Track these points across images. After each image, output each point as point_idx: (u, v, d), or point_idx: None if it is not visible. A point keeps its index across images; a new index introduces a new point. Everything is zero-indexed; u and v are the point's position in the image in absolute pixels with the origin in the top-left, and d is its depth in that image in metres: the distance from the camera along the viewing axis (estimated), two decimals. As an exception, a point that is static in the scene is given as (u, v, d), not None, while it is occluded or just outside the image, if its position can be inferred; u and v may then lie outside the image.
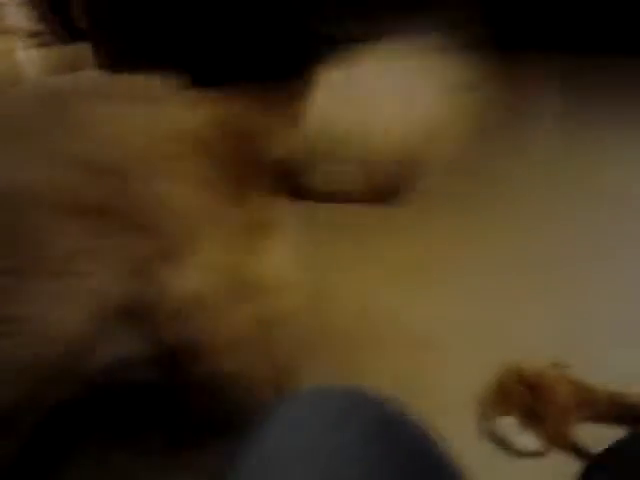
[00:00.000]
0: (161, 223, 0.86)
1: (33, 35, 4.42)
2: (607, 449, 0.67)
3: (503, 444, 1.28)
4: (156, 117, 0.91)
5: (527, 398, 1.28)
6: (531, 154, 2.57)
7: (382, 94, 1.03)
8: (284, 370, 1.03)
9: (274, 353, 1.00)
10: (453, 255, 1.94)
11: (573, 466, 1.24)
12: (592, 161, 2.48)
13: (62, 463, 0.98)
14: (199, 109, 0.94)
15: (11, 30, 4.40)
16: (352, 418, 0.60)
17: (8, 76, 3.85)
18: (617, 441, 0.68)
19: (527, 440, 1.26)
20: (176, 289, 0.87)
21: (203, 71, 2.40)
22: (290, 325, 1.01)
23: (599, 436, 1.28)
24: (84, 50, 4.11)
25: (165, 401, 0.98)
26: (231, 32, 2.85)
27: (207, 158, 0.92)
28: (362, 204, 2.17)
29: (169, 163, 0.89)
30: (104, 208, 0.81)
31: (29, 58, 4.23)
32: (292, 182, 1.77)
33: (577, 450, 1.25)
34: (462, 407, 1.37)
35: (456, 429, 1.33)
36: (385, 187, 2.13)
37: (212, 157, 0.93)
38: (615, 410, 1.30)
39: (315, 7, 3.12)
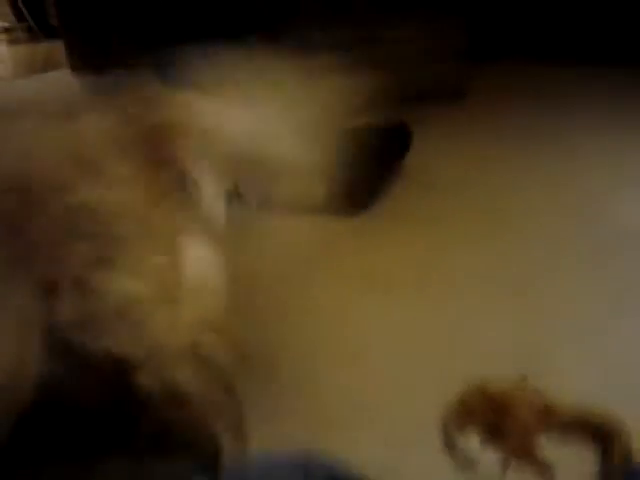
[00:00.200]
0: (85, 230, 0.83)
1: (4, 31, 4.35)
2: None
3: (466, 461, 1.25)
4: (71, 127, 0.89)
5: (490, 415, 1.26)
6: (504, 164, 2.56)
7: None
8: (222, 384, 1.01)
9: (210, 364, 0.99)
10: (417, 267, 1.91)
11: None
12: (565, 171, 2.47)
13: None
14: (114, 111, 0.93)
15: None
16: None
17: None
18: None
19: (490, 457, 1.24)
20: (112, 296, 0.85)
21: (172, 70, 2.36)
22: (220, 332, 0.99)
23: (563, 454, 1.27)
24: (57, 48, 4.05)
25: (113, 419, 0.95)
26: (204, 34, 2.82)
27: (124, 159, 0.91)
28: (325, 215, 2.16)
29: (87, 169, 0.87)
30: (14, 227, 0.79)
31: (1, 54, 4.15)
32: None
33: (540, 468, 1.23)
34: (424, 423, 1.34)
35: (418, 445, 1.31)
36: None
37: (129, 157, 0.91)
38: (580, 429, 1.28)
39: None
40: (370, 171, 2.24)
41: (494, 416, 1.27)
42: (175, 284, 0.94)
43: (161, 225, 0.94)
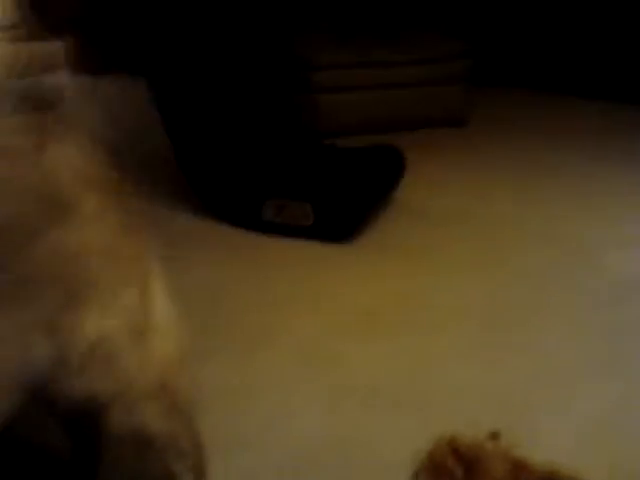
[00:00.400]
0: (59, 273, 0.83)
1: (6, 28, 4.32)
2: None
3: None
4: (40, 164, 0.88)
5: (461, 472, 1.23)
6: (501, 196, 2.52)
7: None
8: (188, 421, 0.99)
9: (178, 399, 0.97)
10: (401, 304, 1.86)
11: None
12: (566, 208, 2.43)
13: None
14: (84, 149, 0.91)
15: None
16: None
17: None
18: None
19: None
20: (83, 337, 0.84)
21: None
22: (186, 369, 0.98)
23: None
24: (59, 48, 4.02)
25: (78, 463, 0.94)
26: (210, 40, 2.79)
27: (95, 194, 0.89)
28: (312, 240, 2.13)
29: (56, 211, 0.86)
30: None
31: (5, 52, 4.13)
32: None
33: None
34: (395, 470, 1.31)
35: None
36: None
37: (100, 192, 0.90)
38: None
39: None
40: (357, 195, 2.21)
41: (465, 474, 1.23)
42: (145, 319, 0.93)
43: (130, 258, 0.93)
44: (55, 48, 3.90)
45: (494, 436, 1.32)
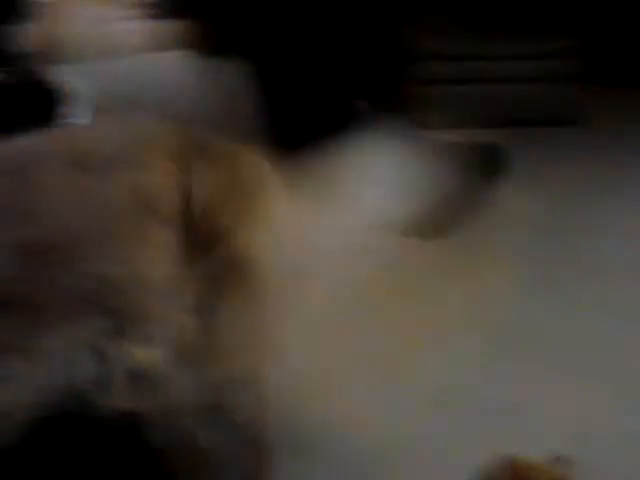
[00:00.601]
0: (102, 303, 0.83)
1: (135, 6, 4.48)
2: None
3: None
4: (115, 185, 0.88)
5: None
6: (598, 207, 2.41)
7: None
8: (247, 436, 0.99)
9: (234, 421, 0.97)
10: (485, 319, 1.81)
11: None
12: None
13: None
14: (161, 169, 0.91)
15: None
16: None
17: (101, 46, 3.92)
18: None
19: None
20: (132, 363, 0.86)
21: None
22: (250, 387, 0.98)
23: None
24: (185, 27, 4.13)
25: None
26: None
27: (165, 223, 0.89)
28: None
29: (125, 232, 0.86)
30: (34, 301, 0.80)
31: (127, 30, 4.28)
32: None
33: None
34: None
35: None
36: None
37: (170, 221, 0.90)
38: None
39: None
40: (455, 193, 2.14)
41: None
42: (202, 345, 0.94)
43: (193, 288, 0.93)
44: (177, 28, 4.02)
45: (555, 460, 1.26)
